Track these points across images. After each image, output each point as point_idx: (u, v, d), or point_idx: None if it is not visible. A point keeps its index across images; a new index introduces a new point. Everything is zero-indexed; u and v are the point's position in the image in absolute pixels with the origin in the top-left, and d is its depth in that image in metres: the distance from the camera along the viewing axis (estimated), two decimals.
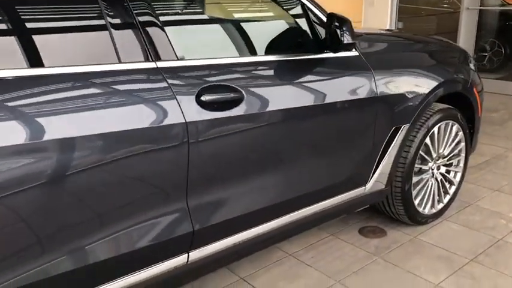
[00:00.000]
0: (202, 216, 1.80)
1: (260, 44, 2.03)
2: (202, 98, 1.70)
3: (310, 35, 2.14)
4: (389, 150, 2.45)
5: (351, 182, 2.38)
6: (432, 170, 2.79)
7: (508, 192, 3.29)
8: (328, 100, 2.09)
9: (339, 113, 2.17)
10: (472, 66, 2.98)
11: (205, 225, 1.81)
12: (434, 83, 2.55)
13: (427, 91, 2.51)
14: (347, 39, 1.99)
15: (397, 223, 2.84)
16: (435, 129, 2.66)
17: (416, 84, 2.48)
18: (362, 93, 2.23)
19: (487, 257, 2.52)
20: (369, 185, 2.46)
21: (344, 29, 1.98)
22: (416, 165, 2.65)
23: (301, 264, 2.49)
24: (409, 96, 2.45)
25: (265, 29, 2.11)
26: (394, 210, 2.74)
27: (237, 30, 2.08)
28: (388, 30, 5.22)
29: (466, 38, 6.39)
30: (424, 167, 2.73)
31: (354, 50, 2.27)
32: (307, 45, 2.13)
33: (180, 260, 1.78)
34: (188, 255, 1.81)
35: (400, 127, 2.45)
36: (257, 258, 2.50)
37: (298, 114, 1.99)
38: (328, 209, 2.33)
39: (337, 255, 2.56)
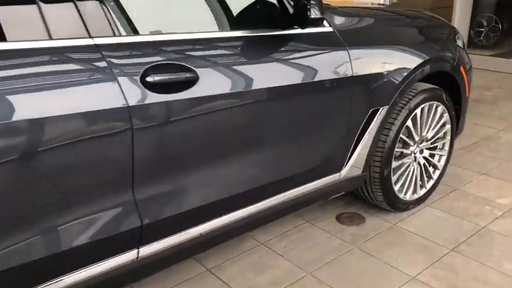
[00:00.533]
0: (153, 209, 1.64)
1: (220, 19, 1.85)
2: (149, 79, 1.52)
3: (278, 8, 1.95)
4: (366, 134, 2.29)
5: (324, 168, 2.23)
6: (414, 154, 2.63)
7: (495, 176, 3.14)
8: (295, 81, 1.91)
9: (307, 94, 2.00)
10: (460, 43, 2.80)
11: (157, 218, 1.66)
12: (417, 62, 2.37)
13: (408, 70, 2.33)
14: (315, 13, 1.80)
15: (377, 209, 2.70)
16: (418, 110, 2.50)
17: (397, 63, 2.31)
18: (334, 73, 2.06)
19: (468, 246, 2.39)
20: (344, 171, 2.31)
21: (312, 2, 1.79)
22: (396, 150, 2.49)
23: (272, 254, 2.35)
24: (389, 75, 2.27)
25: (225, 2, 1.92)
26: (372, 196, 2.59)
27: (193, 2, 1.89)
28: (380, 5, 5.00)
29: (461, 13, 6.16)
30: (406, 151, 2.58)
31: (327, 25, 2.09)
32: (275, 20, 1.94)
33: (128, 256, 1.64)
34: (138, 251, 1.66)
35: (378, 109, 2.29)
36: (227, 247, 2.37)
37: (261, 96, 1.82)
38: (299, 196, 2.18)
39: (310, 244, 2.42)
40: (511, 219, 2.63)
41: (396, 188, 2.58)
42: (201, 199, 1.79)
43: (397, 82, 2.31)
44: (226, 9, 1.89)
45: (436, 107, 2.63)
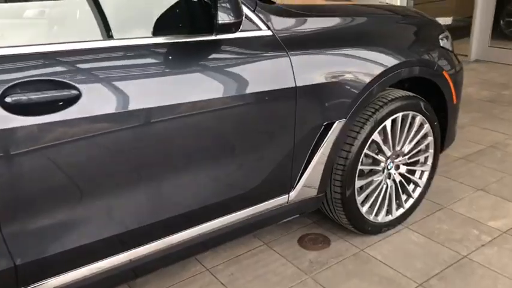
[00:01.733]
0: (29, 247, 1.43)
1: (119, 24, 1.59)
2: (9, 100, 1.30)
3: (199, 10, 1.68)
4: (318, 151, 2.00)
5: (267, 189, 1.96)
6: (388, 170, 2.32)
7: (493, 193, 2.77)
8: (214, 95, 1.65)
9: (234, 109, 1.72)
10: (446, 44, 2.44)
11: (36, 257, 1.44)
12: (381, 68, 2.05)
13: (371, 77, 2.02)
14: (223, 18, 1.52)
15: (347, 231, 2.41)
16: (387, 122, 2.18)
17: (355, 69, 1.99)
18: (270, 84, 1.78)
19: (440, 281, 2.07)
20: (294, 193, 2.03)
21: (220, 4, 1.51)
22: (362, 166, 2.19)
23: (215, 283, 2.10)
24: (345, 84, 1.96)
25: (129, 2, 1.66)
26: (337, 218, 2.30)
27: (73, 7, 1.64)
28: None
29: (484, 2, 5.66)
30: (376, 168, 2.26)
31: (264, 28, 1.80)
32: (196, 24, 1.67)
33: None
34: None
35: (333, 123, 1.99)
36: (169, 273, 2.14)
37: (169, 113, 1.56)
38: (238, 222, 1.92)
39: (261, 273, 2.16)
40: (498, 247, 2.28)
41: (364, 209, 2.28)
42: (98, 233, 1.56)
43: (355, 92, 1.99)
44: (123, 11, 1.64)
45: (413, 118, 2.30)
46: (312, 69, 1.88)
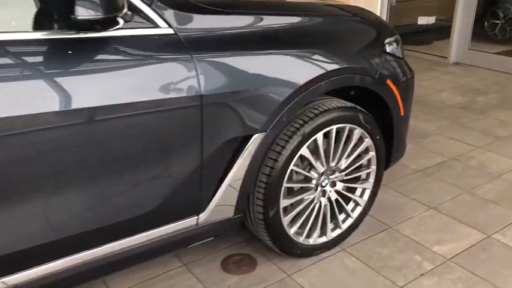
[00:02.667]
0: None
1: None
2: None
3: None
4: (233, 168, 1.76)
5: (172, 210, 1.72)
6: (322, 187, 2.09)
7: (445, 212, 2.55)
8: (97, 102, 1.41)
9: (122, 119, 1.48)
10: (393, 49, 2.19)
11: None
12: (305, 77, 1.81)
13: (294, 87, 1.78)
14: (82, 12, 1.27)
15: (276, 252, 2.18)
16: (318, 136, 1.94)
17: (276, 77, 1.75)
18: (169, 91, 1.54)
19: None
20: (205, 214, 1.80)
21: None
22: (290, 184, 1.96)
23: None
24: (263, 94, 1.73)
25: None
26: (262, 239, 2.07)
27: None
28: None
29: (466, 3, 5.42)
30: (308, 185, 2.03)
31: (163, 25, 1.56)
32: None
33: None
34: None
35: (250, 136, 1.75)
36: None
37: (41, 124, 1.33)
38: (137, 247, 1.69)
39: None
40: (438, 278, 2.06)
41: (292, 230, 2.05)
42: None
43: (276, 102, 1.76)
44: None
45: (351, 131, 2.07)
46: (222, 75, 1.64)
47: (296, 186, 2.02)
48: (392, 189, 2.78)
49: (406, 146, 2.50)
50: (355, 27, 2.11)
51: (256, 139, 1.76)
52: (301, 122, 1.90)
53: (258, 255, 2.19)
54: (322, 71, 1.84)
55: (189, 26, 1.61)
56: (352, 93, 2.22)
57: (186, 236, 1.80)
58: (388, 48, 2.16)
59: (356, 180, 2.24)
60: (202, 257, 2.18)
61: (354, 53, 1.98)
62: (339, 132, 2.04)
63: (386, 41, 2.15)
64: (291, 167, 1.92)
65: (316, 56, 1.84)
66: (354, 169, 2.18)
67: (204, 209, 1.79)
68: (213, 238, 1.94)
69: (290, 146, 1.88)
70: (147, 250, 1.72)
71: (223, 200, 1.81)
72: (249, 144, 1.76)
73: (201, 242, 1.91)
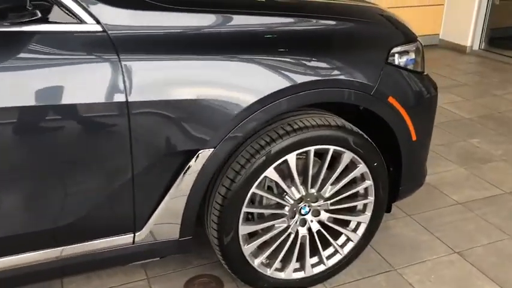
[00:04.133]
0: None
1: None
2: None
3: None
4: (174, 186, 1.56)
5: (103, 224, 1.56)
6: (302, 215, 1.80)
7: (472, 261, 2.10)
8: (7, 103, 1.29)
9: (40, 123, 1.35)
10: (402, 61, 1.81)
11: None
12: (263, 90, 1.53)
13: (247, 101, 1.52)
14: None
15: None
16: (289, 157, 1.66)
17: (224, 87, 1.51)
18: (88, 95, 1.37)
19: None
20: (143, 232, 1.61)
21: None
22: (251, 209, 1.70)
23: None
24: (207, 105, 1.49)
25: None
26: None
27: None
28: None
29: None
30: (279, 211, 1.76)
31: (90, 21, 1.38)
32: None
33: None
34: None
35: (195, 152, 1.53)
36: None
37: None
38: (65, 258, 1.56)
39: None
40: None
41: (257, 261, 1.80)
42: None
43: (225, 117, 1.51)
44: None
45: (340, 154, 1.74)
46: (157, 81, 1.43)
47: (261, 211, 1.75)
48: (417, 222, 2.37)
49: (425, 175, 2.09)
50: (344, 32, 1.74)
51: (202, 155, 1.53)
52: (268, 139, 1.63)
53: (228, 280, 1.97)
54: (286, 84, 1.55)
55: (121, 23, 1.42)
56: (361, 109, 1.88)
57: (122, 253, 1.63)
58: (398, 59, 1.78)
59: (350, 211, 1.91)
60: (169, 272, 2.01)
61: (338, 63, 1.65)
62: (321, 154, 1.74)
63: (396, 50, 1.77)
64: (253, 189, 1.66)
65: (280, 65, 1.55)
66: (344, 198, 1.85)
67: (142, 227, 1.60)
68: (156, 258, 1.75)
69: (251, 166, 1.62)
70: (76, 263, 1.59)
71: (164, 219, 1.61)
72: (193, 161, 1.53)
73: (143, 262, 1.73)
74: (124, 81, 1.39)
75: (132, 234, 1.61)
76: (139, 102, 1.41)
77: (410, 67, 1.84)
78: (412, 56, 1.85)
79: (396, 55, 1.78)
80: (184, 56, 1.46)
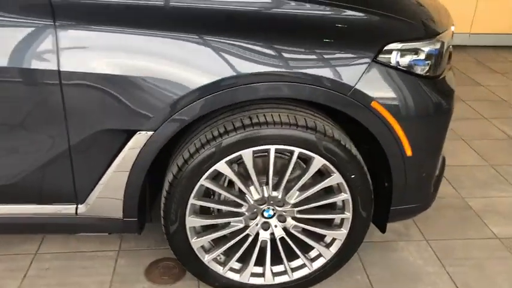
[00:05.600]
0: None
1: None
2: None
3: None
4: (112, 165, 1.50)
5: (43, 191, 1.57)
6: (265, 218, 1.64)
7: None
8: None
9: None
10: (407, 60, 1.49)
11: None
12: (209, 75, 1.38)
13: (191, 85, 1.39)
14: None
15: None
16: (244, 153, 1.50)
17: (165, 67, 1.38)
18: (21, 61, 1.34)
19: None
20: (85, 206, 1.58)
21: None
22: (199, 201, 1.58)
23: (21, 271, 1.85)
24: (146, 85, 1.39)
25: None
26: None
27: None
28: None
29: None
30: (234, 209, 1.62)
31: None
32: None
33: None
34: None
35: (135, 132, 1.44)
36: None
37: None
38: (14, 217, 1.60)
39: (71, 281, 1.81)
40: None
41: (208, 256, 1.68)
42: None
43: (166, 99, 1.40)
44: None
45: (309, 159, 1.53)
46: (94, 53, 1.36)
47: (211, 206, 1.62)
48: (432, 249, 2.04)
49: (432, 197, 1.77)
50: (316, 18, 1.47)
51: (140, 137, 1.44)
52: (222, 130, 1.48)
53: None
54: (236, 72, 1.37)
55: None
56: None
57: (66, 222, 1.63)
58: (397, 58, 1.48)
59: (327, 224, 1.70)
60: (142, 249, 1.98)
61: (302, 55, 1.42)
62: (288, 154, 1.55)
63: (393, 47, 1.47)
64: (202, 181, 1.53)
65: (233, 50, 1.37)
66: (316, 208, 1.64)
67: (84, 200, 1.57)
68: (99, 233, 1.72)
69: (199, 156, 1.49)
70: (29, 224, 1.62)
71: (105, 195, 1.56)
72: (131, 141, 1.45)
73: (86, 234, 1.72)
74: (57, 50, 1.34)
75: (75, 206, 1.59)
76: (72, 72, 1.36)
77: (417, 69, 1.54)
78: (422, 56, 1.53)
79: (394, 53, 1.48)
80: (126, 29, 1.36)
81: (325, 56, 1.43)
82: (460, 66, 4.32)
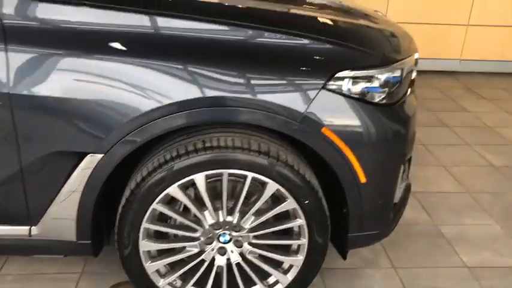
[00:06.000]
0: None
1: None
2: None
3: None
4: (64, 187, 1.50)
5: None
6: (221, 243, 1.63)
7: None
8: None
9: None
10: (361, 88, 1.50)
11: None
12: (157, 100, 1.40)
13: (139, 110, 1.40)
14: None
15: None
16: (197, 177, 1.50)
17: (115, 91, 1.40)
18: None
19: None
20: (39, 228, 1.58)
21: None
22: (153, 225, 1.57)
23: None
24: (95, 108, 1.41)
25: None
26: None
27: None
28: None
29: None
30: (187, 234, 1.61)
31: None
32: None
33: None
34: None
35: (85, 154, 1.45)
36: None
37: None
38: None
39: None
40: None
41: (163, 281, 1.66)
42: None
43: (115, 123, 1.41)
44: None
45: (262, 183, 1.53)
46: (45, 76, 1.38)
47: (165, 230, 1.62)
48: (398, 277, 2.01)
49: (392, 225, 1.76)
50: (264, 45, 1.50)
51: (90, 160, 1.45)
52: (174, 154, 1.49)
53: None
54: (184, 95, 1.39)
55: (20, 12, 1.39)
56: None
57: (20, 244, 1.62)
58: (349, 86, 1.49)
59: (285, 250, 1.68)
60: (104, 272, 1.96)
61: (253, 80, 1.43)
62: (241, 179, 1.54)
63: (344, 74, 1.48)
64: (154, 205, 1.53)
65: (181, 74, 1.39)
66: (272, 234, 1.63)
67: (37, 222, 1.57)
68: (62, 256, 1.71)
69: (151, 180, 1.50)
70: None
71: (58, 218, 1.56)
72: (82, 163, 1.46)
73: (42, 256, 1.71)
74: (8, 72, 1.36)
75: (28, 227, 1.59)
76: (22, 95, 1.37)
77: (372, 96, 1.54)
78: (375, 84, 1.54)
79: (346, 80, 1.49)
80: (75, 53, 1.39)
81: (275, 82, 1.44)
82: (449, 93, 4.33)
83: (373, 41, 1.67)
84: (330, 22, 1.73)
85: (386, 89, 1.58)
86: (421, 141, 3.24)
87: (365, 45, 1.59)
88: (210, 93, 1.40)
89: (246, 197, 1.57)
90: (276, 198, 1.59)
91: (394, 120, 1.58)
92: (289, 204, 1.56)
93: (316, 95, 1.45)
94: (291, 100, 1.44)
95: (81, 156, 1.46)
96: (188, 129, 1.52)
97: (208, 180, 1.54)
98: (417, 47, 1.92)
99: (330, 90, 1.47)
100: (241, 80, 1.43)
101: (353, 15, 1.90)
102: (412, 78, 1.81)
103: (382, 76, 1.56)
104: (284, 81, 1.45)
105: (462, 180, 2.82)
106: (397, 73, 1.62)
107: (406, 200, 1.89)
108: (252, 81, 1.43)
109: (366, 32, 1.71)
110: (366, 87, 1.53)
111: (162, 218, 1.61)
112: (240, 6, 1.74)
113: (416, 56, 1.88)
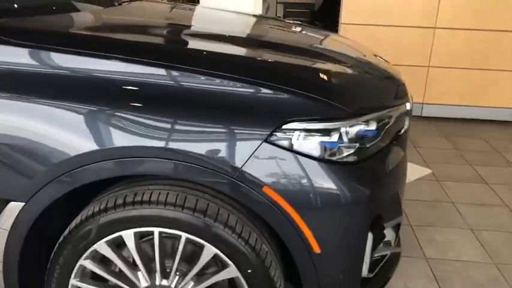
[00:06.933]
0: None
1: None
2: None
3: None
4: None
5: None
6: None
7: None
8: None
9: None
10: (313, 144, 1.28)
11: None
12: (84, 147, 1.27)
13: (54, 159, 1.28)
14: None
15: None
16: (125, 234, 1.35)
17: (34, 137, 1.28)
18: None
19: None
20: None
21: None
22: (81, 283, 1.43)
23: None
24: (11, 153, 1.30)
25: None
26: None
27: None
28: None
29: None
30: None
31: None
32: None
33: None
34: None
35: (8, 201, 1.35)
36: None
37: None
38: None
39: None
40: None
41: None
42: None
43: (34, 170, 1.30)
44: None
45: (200, 246, 1.35)
46: None
47: None
48: None
49: None
50: (200, 90, 1.31)
51: (12, 208, 1.34)
52: (102, 206, 1.35)
53: None
54: (100, 143, 1.26)
55: None
56: None
57: None
58: (300, 139, 1.28)
59: None
60: None
61: (183, 127, 1.26)
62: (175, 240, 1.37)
63: (293, 126, 1.27)
64: (82, 261, 1.39)
65: (104, 120, 1.26)
66: None
67: None
68: None
69: (78, 234, 1.36)
70: None
71: None
72: (4, 211, 1.35)
73: None
74: None
75: None
76: None
77: (333, 153, 1.33)
78: (334, 138, 1.32)
79: (297, 133, 1.29)
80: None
81: (208, 130, 1.26)
82: (496, 144, 3.91)
83: (342, 89, 1.46)
84: (288, 66, 1.54)
85: (357, 144, 1.36)
86: (450, 199, 2.90)
87: (327, 93, 1.38)
88: (137, 142, 1.25)
89: (187, 260, 1.40)
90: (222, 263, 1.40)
91: (359, 181, 1.34)
92: (229, 272, 1.35)
93: (256, 149, 1.26)
94: (226, 153, 1.25)
95: (5, 203, 1.35)
96: (129, 179, 1.39)
97: (146, 238, 1.39)
98: (411, 94, 1.69)
99: (274, 143, 1.27)
100: (167, 126, 1.27)
101: (329, 58, 1.71)
102: (402, 129, 1.59)
103: (351, 129, 1.35)
104: (219, 130, 1.27)
105: (490, 248, 2.44)
106: (372, 126, 1.40)
107: (389, 272, 1.61)
108: (178, 128, 1.27)
109: (335, 78, 1.50)
110: (324, 142, 1.31)
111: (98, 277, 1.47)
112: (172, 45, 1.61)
113: (408, 105, 1.65)
